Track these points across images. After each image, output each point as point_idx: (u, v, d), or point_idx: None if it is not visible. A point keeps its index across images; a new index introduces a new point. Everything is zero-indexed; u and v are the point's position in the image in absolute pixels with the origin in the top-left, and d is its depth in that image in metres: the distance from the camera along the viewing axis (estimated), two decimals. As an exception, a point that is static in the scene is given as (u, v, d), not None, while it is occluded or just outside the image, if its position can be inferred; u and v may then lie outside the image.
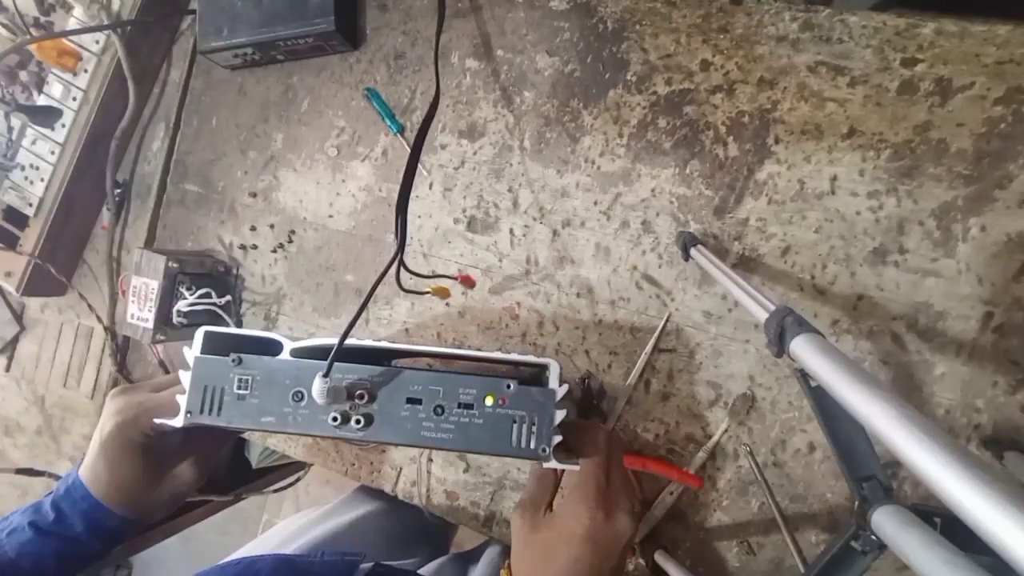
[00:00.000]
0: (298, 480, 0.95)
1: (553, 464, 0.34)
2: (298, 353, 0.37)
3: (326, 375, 0.34)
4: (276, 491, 0.85)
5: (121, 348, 0.69)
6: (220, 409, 0.36)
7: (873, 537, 0.34)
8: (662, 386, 0.51)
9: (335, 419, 0.35)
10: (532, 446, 0.34)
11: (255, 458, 1.05)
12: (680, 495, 0.50)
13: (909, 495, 0.45)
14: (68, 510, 0.41)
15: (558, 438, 0.34)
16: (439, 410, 0.35)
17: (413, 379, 0.35)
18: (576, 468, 0.36)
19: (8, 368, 0.75)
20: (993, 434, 0.43)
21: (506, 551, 0.69)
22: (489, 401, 0.35)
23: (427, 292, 0.54)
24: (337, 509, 0.71)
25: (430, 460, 0.57)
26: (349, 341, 0.35)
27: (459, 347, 0.39)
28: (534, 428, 0.34)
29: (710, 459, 0.49)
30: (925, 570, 0.28)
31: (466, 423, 0.35)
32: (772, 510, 0.47)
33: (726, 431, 0.49)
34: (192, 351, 0.37)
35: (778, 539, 0.47)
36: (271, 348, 0.37)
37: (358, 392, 0.35)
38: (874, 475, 0.37)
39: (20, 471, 0.68)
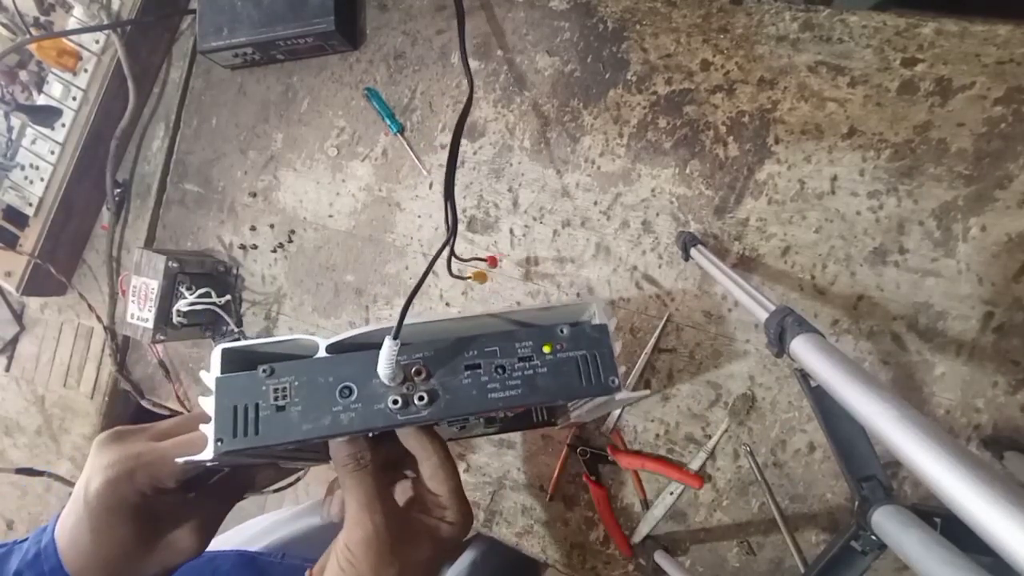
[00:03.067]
0: (298, 480, 0.95)
1: (624, 395, 0.34)
2: (335, 348, 0.34)
3: (395, 337, 0.31)
4: (276, 491, 0.85)
5: (121, 348, 0.69)
6: (257, 428, 0.32)
7: (873, 537, 0.34)
8: (662, 386, 0.51)
9: (395, 402, 0.32)
10: (602, 380, 0.33)
11: (255, 458, 1.05)
12: (680, 495, 0.50)
13: (909, 495, 0.45)
14: None
15: (623, 368, 0.34)
16: (500, 370, 0.33)
17: (466, 346, 0.34)
18: (647, 393, 0.34)
19: (8, 368, 0.75)
20: (993, 434, 0.43)
21: (486, 556, 0.69)
22: (547, 349, 0.34)
23: (468, 278, 0.53)
24: (308, 511, 0.68)
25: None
26: (390, 326, 0.32)
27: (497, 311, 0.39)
28: (599, 363, 0.34)
29: (710, 459, 0.49)
30: (925, 570, 0.28)
31: (531, 375, 0.33)
32: (772, 510, 0.47)
33: (726, 431, 0.49)
34: (211, 373, 0.33)
35: (778, 539, 0.47)
36: (302, 351, 0.34)
37: (414, 369, 0.33)
38: (874, 475, 0.36)
39: (20, 471, 0.68)
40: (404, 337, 0.33)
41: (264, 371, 0.33)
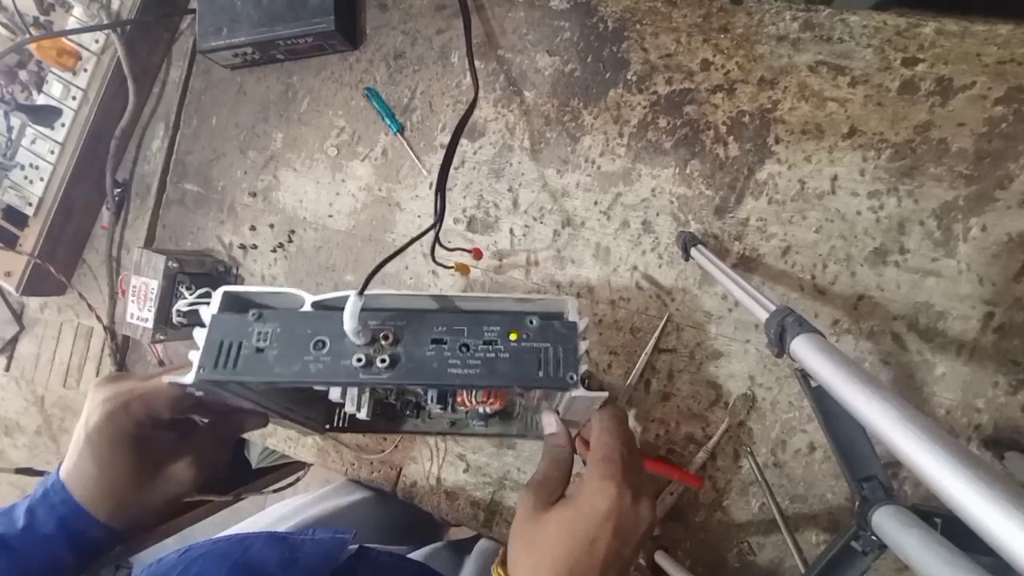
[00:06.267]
0: (298, 480, 0.95)
1: (581, 392, 0.34)
2: (320, 306, 0.37)
3: (361, 292, 0.33)
4: (276, 491, 0.85)
5: (121, 348, 0.69)
6: (236, 363, 0.34)
7: (873, 537, 0.34)
8: (662, 386, 0.51)
9: (359, 360, 0.34)
10: (560, 374, 0.34)
11: (255, 458, 1.05)
12: (680, 495, 0.50)
13: (909, 495, 0.45)
14: (43, 516, 0.36)
15: (584, 367, 0.34)
16: (464, 348, 0.35)
17: (437, 320, 0.35)
18: (605, 395, 0.35)
19: (8, 368, 0.75)
20: (994, 434, 0.43)
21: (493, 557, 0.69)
22: (513, 337, 0.35)
23: (451, 267, 0.54)
24: (332, 493, 0.71)
25: (441, 464, 0.57)
26: (373, 292, 0.34)
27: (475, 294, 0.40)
28: (560, 357, 0.34)
29: (710, 459, 0.49)
30: (926, 570, 0.28)
31: (492, 358, 0.34)
32: (772, 510, 0.47)
33: (726, 431, 0.49)
34: (209, 310, 0.36)
35: (778, 539, 0.47)
36: (290, 304, 0.37)
37: (383, 334, 0.35)
38: (874, 475, 0.36)
39: (20, 471, 0.68)
40: (383, 305, 0.36)
41: (253, 315, 0.36)
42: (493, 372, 0.34)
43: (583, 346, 0.35)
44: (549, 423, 0.40)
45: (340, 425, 0.50)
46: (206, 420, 0.45)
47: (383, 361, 0.34)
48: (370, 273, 0.33)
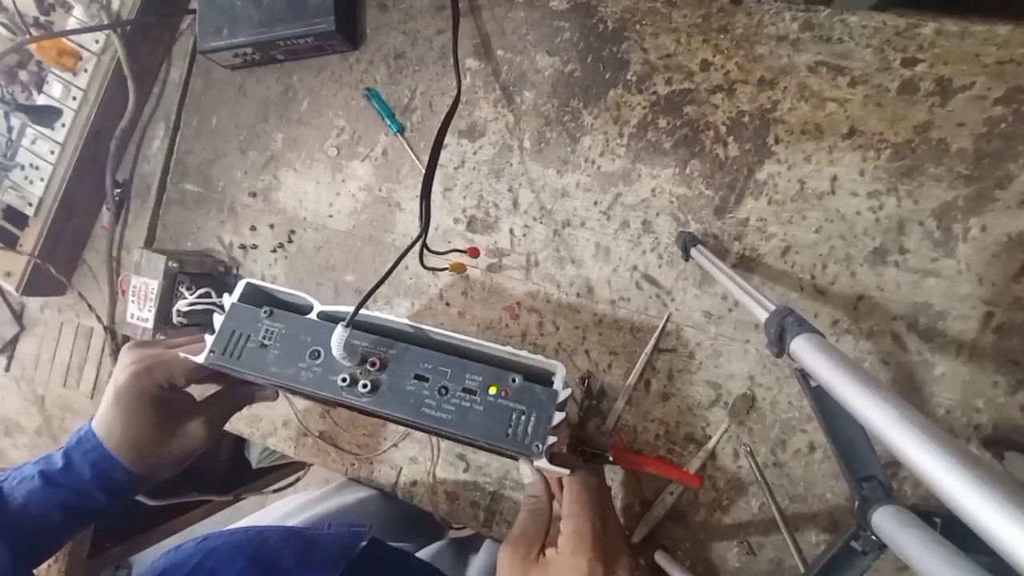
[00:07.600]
0: (298, 480, 0.96)
1: (544, 464, 0.34)
2: (325, 316, 0.38)
3: (347, 325, 0.34)
4: (276, 491, 0.85)
5: (121, 348, 0.69)
6: (241, 355, 0.37)
7: (873, 537, 0.34)
8: (662, 386, 0.51)
9: (344, 380, 0.36)
10: (526, 441, 0.34)
11: (255, 458, 1.05)
12: (680, 495, 0.50)
13: (909, 495, 0.45)
14: (78, 459, 0.41)
15: (553, 439, 0.34)
16: (443, 391, 0.36)
17: (424, 357, 0.37)
18: (566, 473, 0.35)
19: (8, 368, 0.75)
20: (993, 434, 0.43)
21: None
22: (492, 391, 0.35)
23: (445, 268, 0.54)
24: (339, 489, 0.71)
25: (440, 463, 0.57)
26: (372, 314, 0.36)
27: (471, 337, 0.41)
28: (531, 424, 0.35)
29: (710, 459, 0.49)
30: (925, 570, 0.28)
31: (466, 408, 0.35)
32: (772, 510, 0.47)
33: (726, 431, 0.49)
34: (231, 298, 0.39)
35: (778, 539, 0.47)
36: (302, 308, 0.39)
37: (371, 359, 0.36)
38: (874, 475, 0.36)
39: (20, 471, 0.68)
40: (379, 329, 0.37)
41: (265, 312, 0.38)
42: (463, 422, 0.35)
43: (558, 417, 0.35)
44: (525, 472, 0.40)
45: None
46: (221, 387, 0.48)
47: (364, 386, 0.35)
48: (357, 305, 0.34)
